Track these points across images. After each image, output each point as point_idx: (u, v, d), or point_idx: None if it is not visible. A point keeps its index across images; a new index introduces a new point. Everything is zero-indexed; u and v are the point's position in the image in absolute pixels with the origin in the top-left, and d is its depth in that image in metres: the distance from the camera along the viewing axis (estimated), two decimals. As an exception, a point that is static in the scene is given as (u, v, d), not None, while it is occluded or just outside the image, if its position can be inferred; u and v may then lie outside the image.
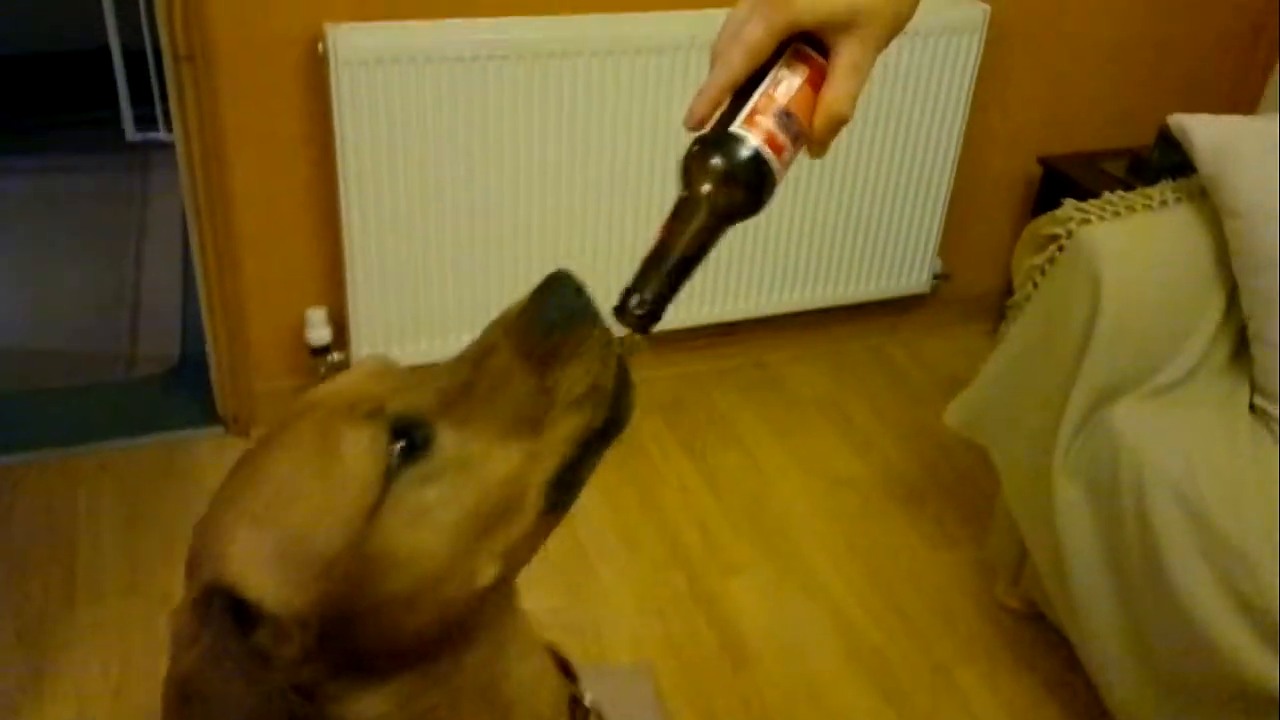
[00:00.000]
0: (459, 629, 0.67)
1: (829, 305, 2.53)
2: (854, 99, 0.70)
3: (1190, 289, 1.71)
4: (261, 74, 1.96)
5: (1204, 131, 1.71)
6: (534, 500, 0.66)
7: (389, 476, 0.61)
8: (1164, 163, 2.18)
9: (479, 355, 0.68)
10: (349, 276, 2.09)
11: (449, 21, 1.98)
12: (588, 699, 0.81)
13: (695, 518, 2.15)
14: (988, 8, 2.27)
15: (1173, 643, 1.51)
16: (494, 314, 0.69)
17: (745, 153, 0.69)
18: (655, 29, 2.06)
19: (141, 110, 3.40)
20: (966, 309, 2.74)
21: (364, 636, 0.63)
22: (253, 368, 2.23)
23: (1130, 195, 1.75)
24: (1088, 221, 1.67)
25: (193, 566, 0.63)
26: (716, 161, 0.69)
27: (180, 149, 2.05)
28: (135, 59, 3.25)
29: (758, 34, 0.68)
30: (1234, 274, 1.69)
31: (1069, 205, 1.71)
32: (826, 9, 0.68)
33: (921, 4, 0.73)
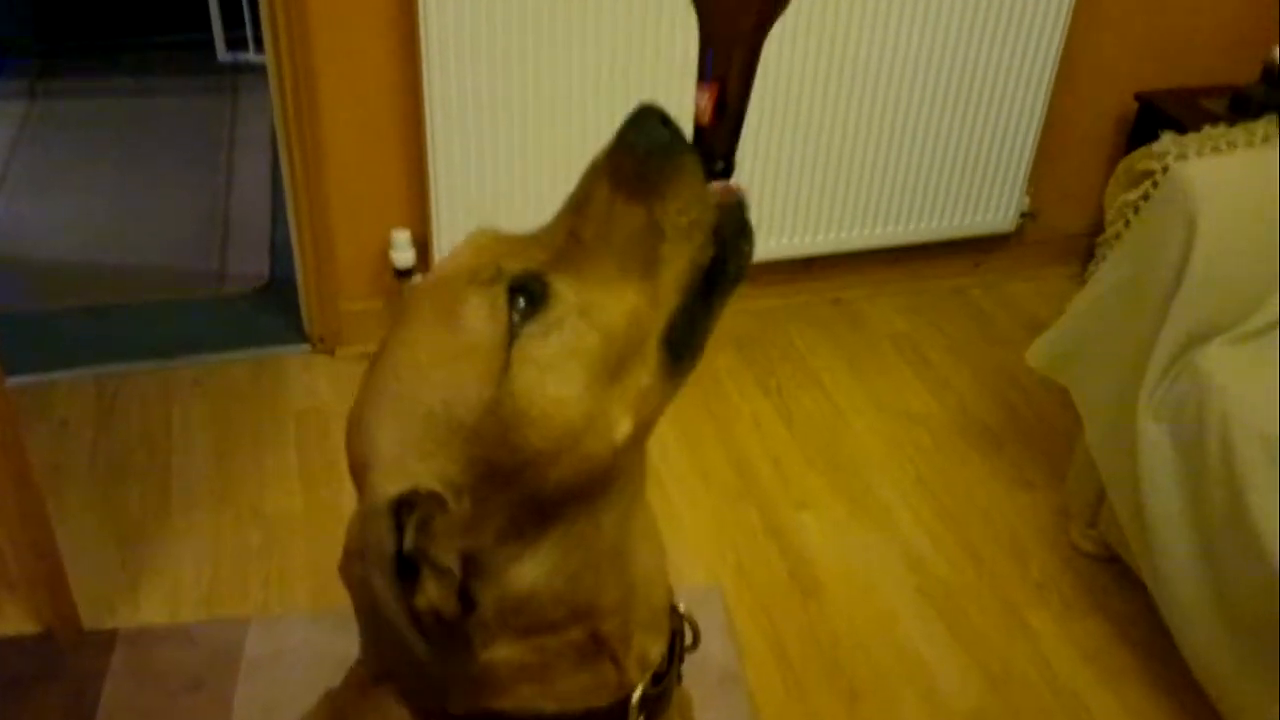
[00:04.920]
0: (599, 488, 0.67)
1: (910, 243, 2.49)
2: None
3: (1289, 230, 1.65)
4: (351, -4, 1.98)
5: (1313, 66, 1.65)
6: (654, 346, 0.65)
7: (512, 335, 0.62)
8: (1268, 99, 2.11)
9: (580, 202, 0.67)
10: (433, 200, 2.11)
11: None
12: (681, 607, 0.82)
13: (769, 452, 2.16)
14: (1089, -64, 2.19)
15: (1251, 586, 1.49)
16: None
17: None
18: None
19: (233, 33, 3.46)
20: (1053, 250, 2.68)
21: (518, 493, 0.64)
22: (339, 288, 2.28)
23: (1231, 130, 1.69)
24: (1185, 157, 1.62)
25: (353, 468, 0.66)
26: None
27: (271, 70, 2.08)
28: (227, -18, 3.32)
29: None
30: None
31: (1167, 138, 1.66)
32: None
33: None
